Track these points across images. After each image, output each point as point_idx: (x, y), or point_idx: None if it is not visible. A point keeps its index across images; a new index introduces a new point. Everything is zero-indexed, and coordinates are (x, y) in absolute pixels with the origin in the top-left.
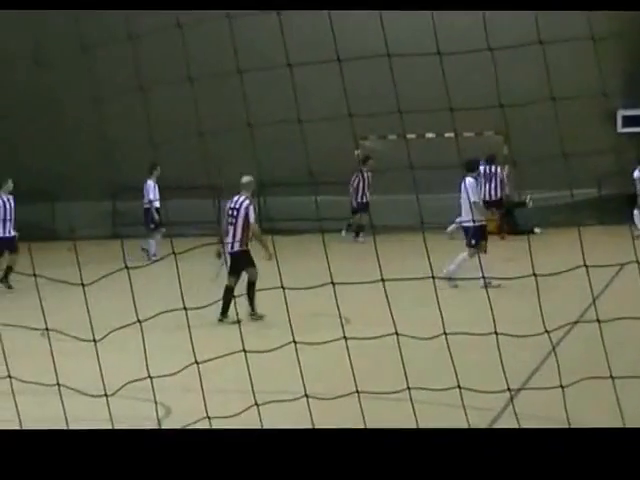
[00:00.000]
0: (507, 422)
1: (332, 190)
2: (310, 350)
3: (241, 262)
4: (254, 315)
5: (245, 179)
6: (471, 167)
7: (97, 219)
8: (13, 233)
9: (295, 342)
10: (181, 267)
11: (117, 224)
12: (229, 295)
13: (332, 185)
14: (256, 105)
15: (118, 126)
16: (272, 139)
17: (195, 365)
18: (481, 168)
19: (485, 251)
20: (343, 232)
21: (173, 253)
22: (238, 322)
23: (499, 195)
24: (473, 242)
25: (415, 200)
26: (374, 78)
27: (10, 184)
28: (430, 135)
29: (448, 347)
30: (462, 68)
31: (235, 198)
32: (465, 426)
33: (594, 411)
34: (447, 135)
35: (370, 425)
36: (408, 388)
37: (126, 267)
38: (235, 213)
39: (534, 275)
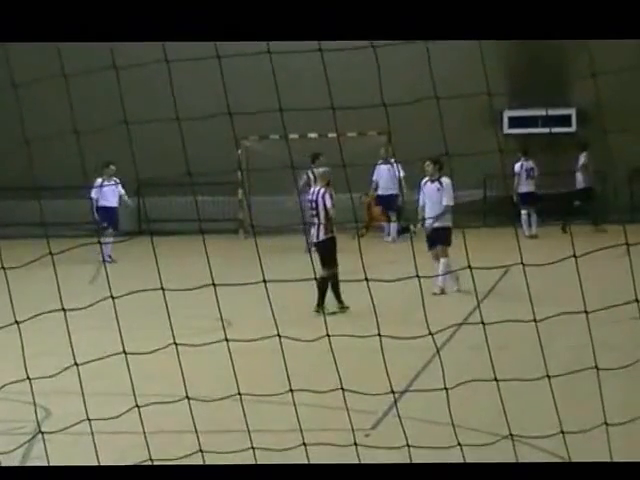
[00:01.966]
0: (390, 425)
1: (212, 190)
2: (192, 353)
3: (329, 249)
4: (342, 307)
5: (320, 170)
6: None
7: None
8: None
9: (176, 344)
10: (58, 269)
11: None
12: (325, 285)
13: (212, 185)
14: (134, 103)
15: None
16: (150, 138)
17: (76, 368)
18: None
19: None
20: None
21: (50, 254)
22: (341, 310)
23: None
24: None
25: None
26: (256, 76)
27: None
28: (312, 135)
29: (331, 349)
30: (344, 66)
31: (312, 190)
32: (348, 428)
33: (478, 414)
34: (330, 135)
35: (252, 427)
36: (291, 390)
37: (2, 268)
38: (314, 205)
39: (417, 277)
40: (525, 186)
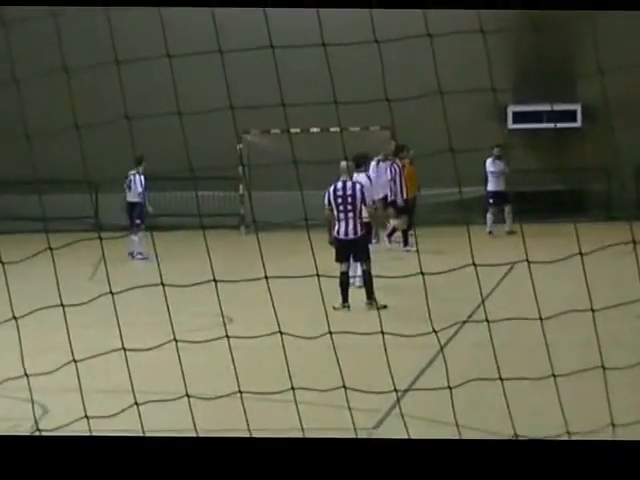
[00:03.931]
0: (394, 423)
1: (213, 185)
2: (192, 350)
3: (363, 245)
4: (371, 303)
5: (343, 164)
6: (360, 163)
7: None
8: None
9: (176, 341)
10: (58, 263)
11: None
12: (370, 279)
13: (213, 180)
14: (135, 97)
15: None
16: (151, 133)
17: (74, 364)
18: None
19: None
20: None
21: (49, 249)
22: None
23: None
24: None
25: (299, 196)
26: (257, 70)
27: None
28: (315, 130)
29: (334, 347)
30: (349, 61)
31: (340, 185)
32: (351, 427)
33: (483, 412)
34: (332, 130)
35: (253, 426)
36: (292, 389)
37: (1, 262)
38: (350, 200)
39: (421, 274)
40: (493, 184)
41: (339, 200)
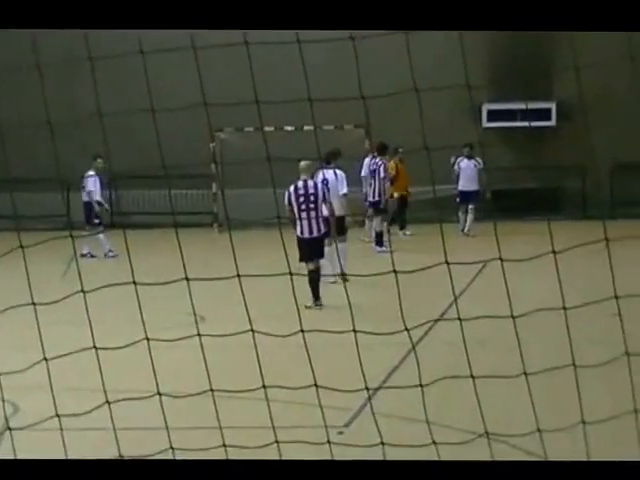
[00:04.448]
0: (364, 422)
1: (186, 184)
2: (165, 348)
3: (322, 243)
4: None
5: (303, 163)
6: (330, 159)
7: None
8: None
9: (148, 339)
10: (31, 262)
11: None
12: (318, 279)
13: (186, 179)
14: (108, 96)
15: None
16: (125, 131)
17: (45, 363)
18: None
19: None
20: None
21: (21, 247)
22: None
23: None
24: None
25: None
26: (232, 68)
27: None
28: (289, 128)
29: (305, 345)
30: (322, 59)
31: (300, 184)
32: (322, 425)
33: (455, 411)
34: (306, 128)
35: (225, 424)
36: (264, 387)
37: None
38: (313, 198)
39: (394, 272)
40: (464, 183)
41: (301, 199)
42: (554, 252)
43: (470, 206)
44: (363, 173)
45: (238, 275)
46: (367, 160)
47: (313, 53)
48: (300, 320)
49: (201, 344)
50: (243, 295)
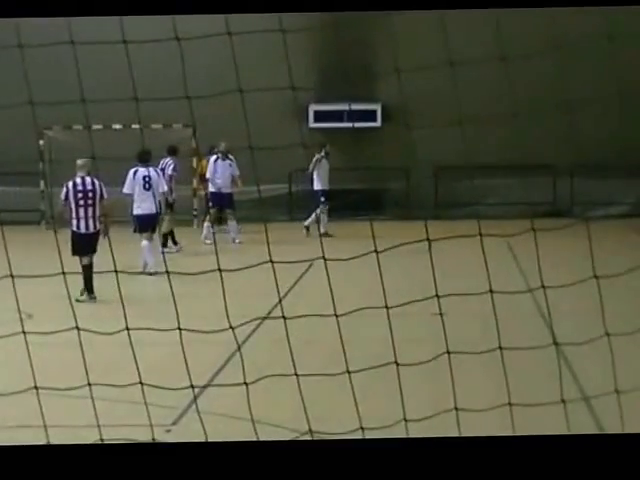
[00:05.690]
0: (192, 420)
1: (13, 181)
2: None
3: (97, 239)
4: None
5: (79, 161)
6: (144, 158)
7: None
8: None
9: None
10: None
11: None
12: (92, 273)
13: (13, 175)
14: None
15: None
16: None
17: None
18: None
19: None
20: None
21: None
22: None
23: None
24: (138, 229)
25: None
26: (60, 65)
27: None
28: (117, 126)
29: (131, 343)
30: (150, 58)
31: (79, 181)
32: (148, 424)
33: (280, 408)
34: (134, 126)
35: (50, 422)
36: (89, 384)
37: None
38: (91, 195)
39: (219, 270)
40: (317, 182)
41: (79, 195)
42: (377, 252)
43: (322, 206)
44: (209, 174)
45: (63, 273)
46: (220, 162)
47: (141, 51)
48: (125, 317)
49: (26, 341)
50: (68, 292)
